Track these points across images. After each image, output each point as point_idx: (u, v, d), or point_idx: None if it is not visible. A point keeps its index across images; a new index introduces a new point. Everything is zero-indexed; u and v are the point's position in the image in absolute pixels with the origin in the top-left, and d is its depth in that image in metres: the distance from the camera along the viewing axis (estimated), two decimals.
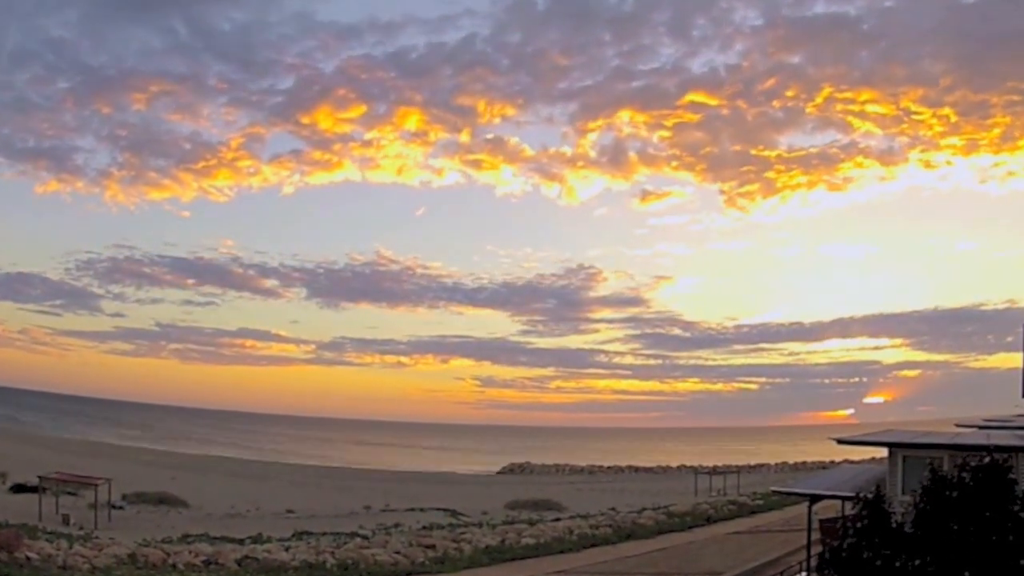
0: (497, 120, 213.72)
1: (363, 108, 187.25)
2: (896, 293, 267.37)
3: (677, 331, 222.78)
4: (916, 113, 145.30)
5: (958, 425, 32.21)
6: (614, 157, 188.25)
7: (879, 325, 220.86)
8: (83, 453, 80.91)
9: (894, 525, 17.61)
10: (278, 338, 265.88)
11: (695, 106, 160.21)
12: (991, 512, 16.21)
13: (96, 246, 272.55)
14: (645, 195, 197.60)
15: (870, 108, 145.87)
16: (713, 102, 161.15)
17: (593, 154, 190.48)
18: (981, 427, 29.31)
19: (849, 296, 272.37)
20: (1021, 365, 23.22)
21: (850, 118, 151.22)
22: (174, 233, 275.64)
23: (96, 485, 40.59)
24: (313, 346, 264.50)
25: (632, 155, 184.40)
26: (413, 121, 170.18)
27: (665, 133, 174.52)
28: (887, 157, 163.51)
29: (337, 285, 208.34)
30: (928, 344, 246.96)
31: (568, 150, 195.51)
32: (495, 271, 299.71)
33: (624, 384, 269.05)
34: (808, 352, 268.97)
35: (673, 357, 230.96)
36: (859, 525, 17.77)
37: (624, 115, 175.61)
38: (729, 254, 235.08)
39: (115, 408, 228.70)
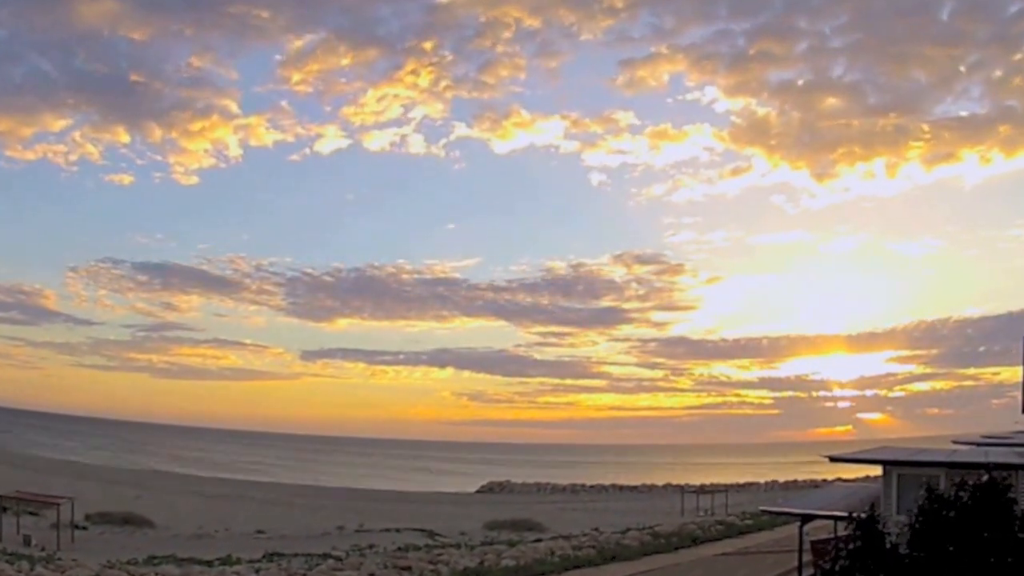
0: (522, 75, 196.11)
1: (362, 58, 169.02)
2: (939, 297, 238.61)
3: (683, 342, 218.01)
4: (1003, 80, 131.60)
5: (955, 442, 31.97)
6: (658, 124, 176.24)
7: (891, 337, 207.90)
8: (46, 471, 78.90)
9: (889, 546, 17.19)
10: (254, 349, 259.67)
11: (763, 58, 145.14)
12: (990, 532, 15.82)
13: (49, 245, 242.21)
14: (677, 180, 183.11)
15: (950, 69, 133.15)
16: (781, 51, 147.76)
17: (627, 128, 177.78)
18: (979, 444, 29.06)
19: (889, 302, 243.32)
20: (1021, 379, 22.96)
21: (931, 85, 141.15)
22: (137, 225, 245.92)
23: (58, 504, 39.28)
24: (290, 359, 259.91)
25: (680, 126, 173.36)
26: (424, 78, 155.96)
27: (738, 99, 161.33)
28: (969, 133, 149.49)
29: (319, 290, 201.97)
30: (942, 357, 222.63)
31: (602, 122, 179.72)
32: (495, 272, 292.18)
33: (623, 400, 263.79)
34: (812, 363, 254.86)
35: (674, 368, 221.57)
36: (852, 546, 17.32)
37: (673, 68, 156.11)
38: (768, 249, 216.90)
39: (78, 424, 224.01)
